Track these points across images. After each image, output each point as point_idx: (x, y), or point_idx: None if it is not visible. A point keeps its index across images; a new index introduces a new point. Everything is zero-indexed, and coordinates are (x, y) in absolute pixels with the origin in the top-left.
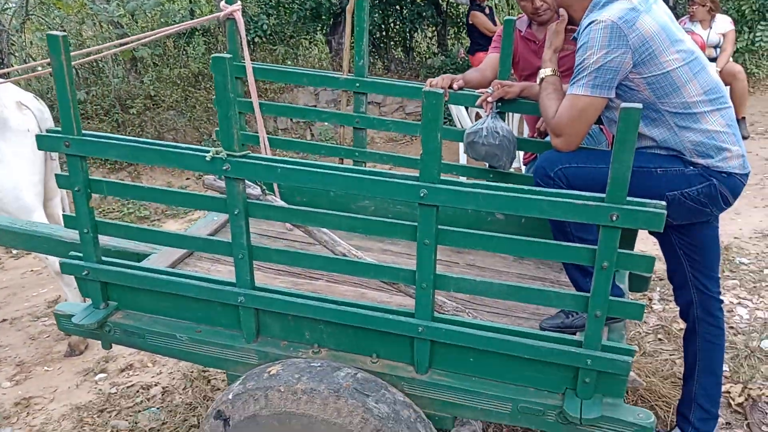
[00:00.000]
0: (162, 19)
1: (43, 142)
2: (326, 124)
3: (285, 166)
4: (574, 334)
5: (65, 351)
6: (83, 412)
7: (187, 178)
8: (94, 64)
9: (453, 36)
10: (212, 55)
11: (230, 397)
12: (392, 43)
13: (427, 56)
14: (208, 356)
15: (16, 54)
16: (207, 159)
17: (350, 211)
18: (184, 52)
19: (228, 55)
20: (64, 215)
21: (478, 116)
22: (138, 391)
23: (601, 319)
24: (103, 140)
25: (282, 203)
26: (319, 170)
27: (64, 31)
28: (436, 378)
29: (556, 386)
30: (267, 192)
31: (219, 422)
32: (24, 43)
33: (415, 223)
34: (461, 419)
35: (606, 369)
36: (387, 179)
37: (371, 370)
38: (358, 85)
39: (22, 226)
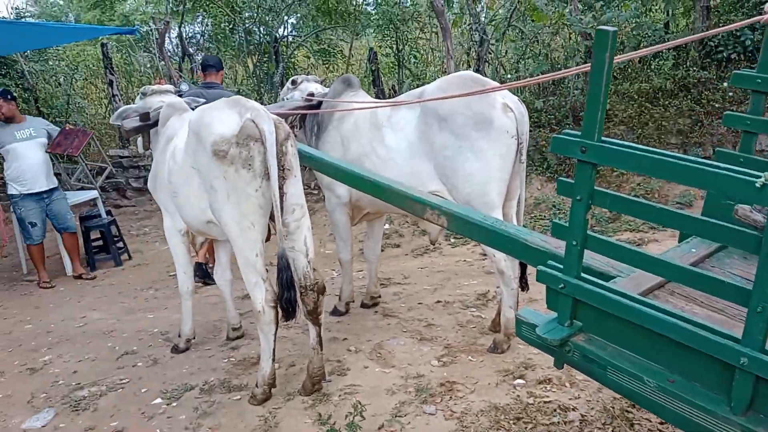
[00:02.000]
0: (634, 32)
1: (558, 144)
2: None
3: None
4: None
5: (489, 346)
6: (500, 413)
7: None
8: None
9: None
10: None
11: None
12: None
13: None
14: (677, 413)
15: (490, 62)
16: (757, 185)
17: None
18: (649, 66)
19: None
20: (553, 223)
21: None
22: (555, 410)
23: None
24: (625, 149)
25: None
26: None
27: (536, 41)
28: None
29: None
30: None
31: None
32: (499, 52)
33: None
34: None
35: None
36: None
37: None
38: None
39: (493, 223)
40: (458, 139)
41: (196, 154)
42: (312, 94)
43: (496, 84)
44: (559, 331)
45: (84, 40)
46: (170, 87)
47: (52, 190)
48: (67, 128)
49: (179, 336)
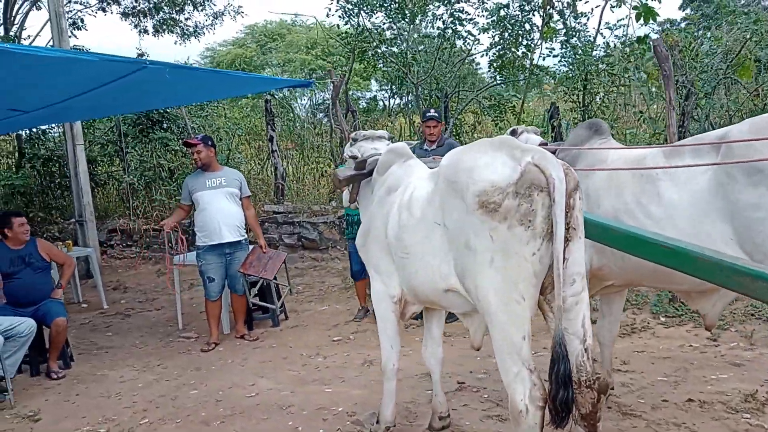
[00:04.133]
0: None
1: None
2: None
3: None
4: None
5: None
6: None
7: None
8: None
9: None
10: None
11: None
12: None
13: None
14: None
15: (696, 117)
16: None
17: None
18: None
19: None
20: None
21: None
22: None
23: None
24: None
25: None
26: None
27: (757, 94)
28: None
29: None
30: None
31: None
32: (712, 104)
33: None
34: None
35: None
36: None
37: None
38: None
39: None
40: None
41: (446, 206)
42: (545, 144)
43: None
44: None
45: (259, 92)
46: (384, 133)
47: (235, 244)
48: (260, 250)
49: (377, 422)
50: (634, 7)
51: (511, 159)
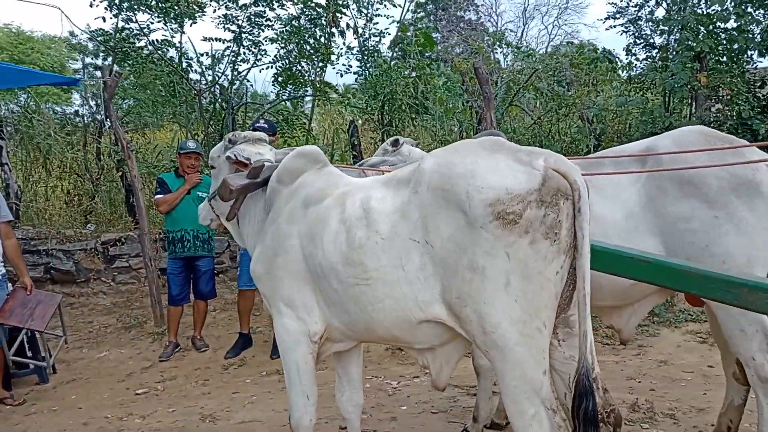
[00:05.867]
0: (643, 118)
1: None
2: None
3: None
4: None
5: None
6: None
7: None
8: None
9: None
10: None
11: None
12: None
13: None
14: None
15: None
16: None
17: None
18: None
19: None
20: None
21: None
22: None
23: None
24: None
25: None
26: None
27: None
28: None
29: None
30: None
31: None
32: (505, 130)
33: None
34: None
35: None
36: None
37: None
38: None
39: None
40: (712, 207)
41: (432, 221)
42: None
43: (739, 141)
44: None
45: (15, 87)
46: (264, 135)
47: None
48: (24, 291)
49: None
50: (416, 35)
51: (517, 162)
